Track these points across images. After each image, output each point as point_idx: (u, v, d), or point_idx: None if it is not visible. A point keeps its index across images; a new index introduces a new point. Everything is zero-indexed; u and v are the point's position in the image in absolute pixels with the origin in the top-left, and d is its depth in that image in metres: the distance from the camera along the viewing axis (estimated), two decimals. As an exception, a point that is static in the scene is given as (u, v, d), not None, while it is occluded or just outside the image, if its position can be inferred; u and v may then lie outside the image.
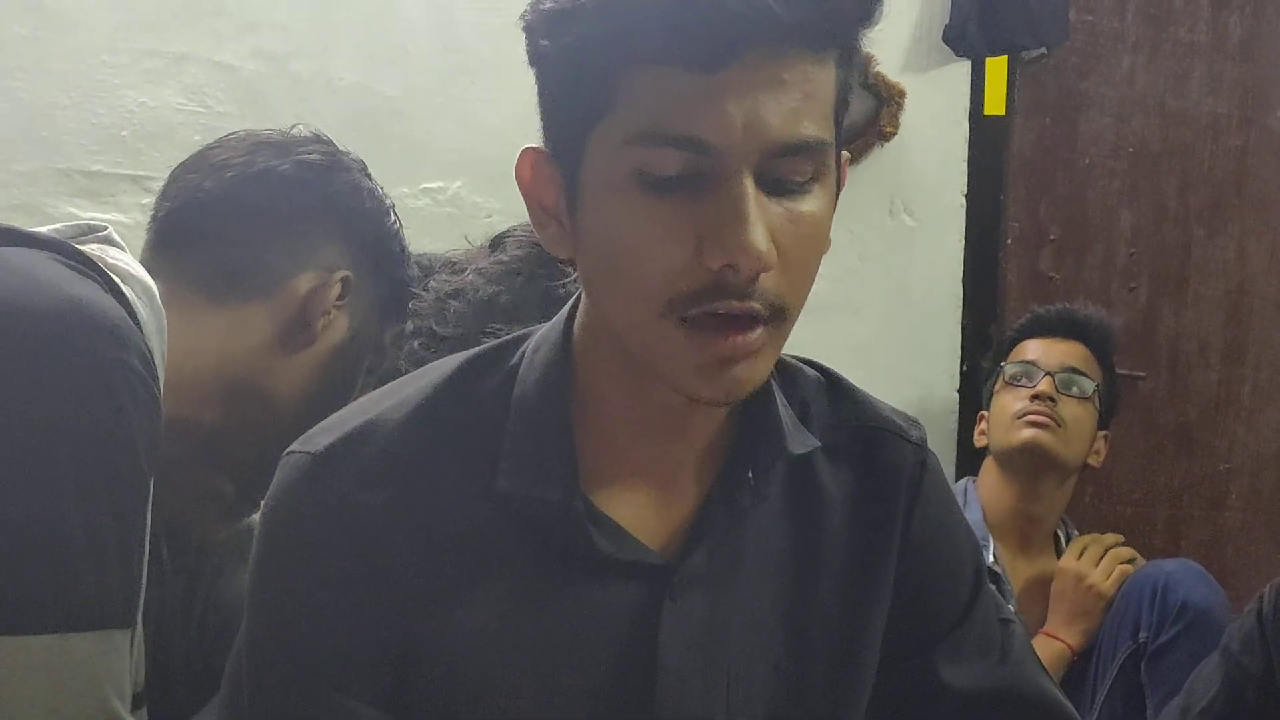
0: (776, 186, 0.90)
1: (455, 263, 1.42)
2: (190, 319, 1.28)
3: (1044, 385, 2.36)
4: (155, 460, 1.07)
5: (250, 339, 1.33)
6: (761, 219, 0.88)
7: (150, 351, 1.09)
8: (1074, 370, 2.40)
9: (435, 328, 1.36)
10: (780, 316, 0.92)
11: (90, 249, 1.15)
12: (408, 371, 1.16)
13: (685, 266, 0.89)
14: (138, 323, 1.11)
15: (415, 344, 1.38)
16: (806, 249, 0.92)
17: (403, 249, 1.45)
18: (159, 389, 1.09)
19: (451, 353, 1.08)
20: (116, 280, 1.12)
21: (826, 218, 0.93)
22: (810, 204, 0.91)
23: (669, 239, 0.89)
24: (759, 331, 0.91)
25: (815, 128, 0.90)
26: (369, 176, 1.43)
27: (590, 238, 0.94)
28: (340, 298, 1.37)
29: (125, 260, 1.18)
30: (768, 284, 0.90)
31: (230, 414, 1.32)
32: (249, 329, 1.33)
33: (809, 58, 0.89)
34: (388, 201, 1.45)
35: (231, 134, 1.41)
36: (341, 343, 1.39)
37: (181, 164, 1.39)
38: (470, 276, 1.37)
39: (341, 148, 1.43)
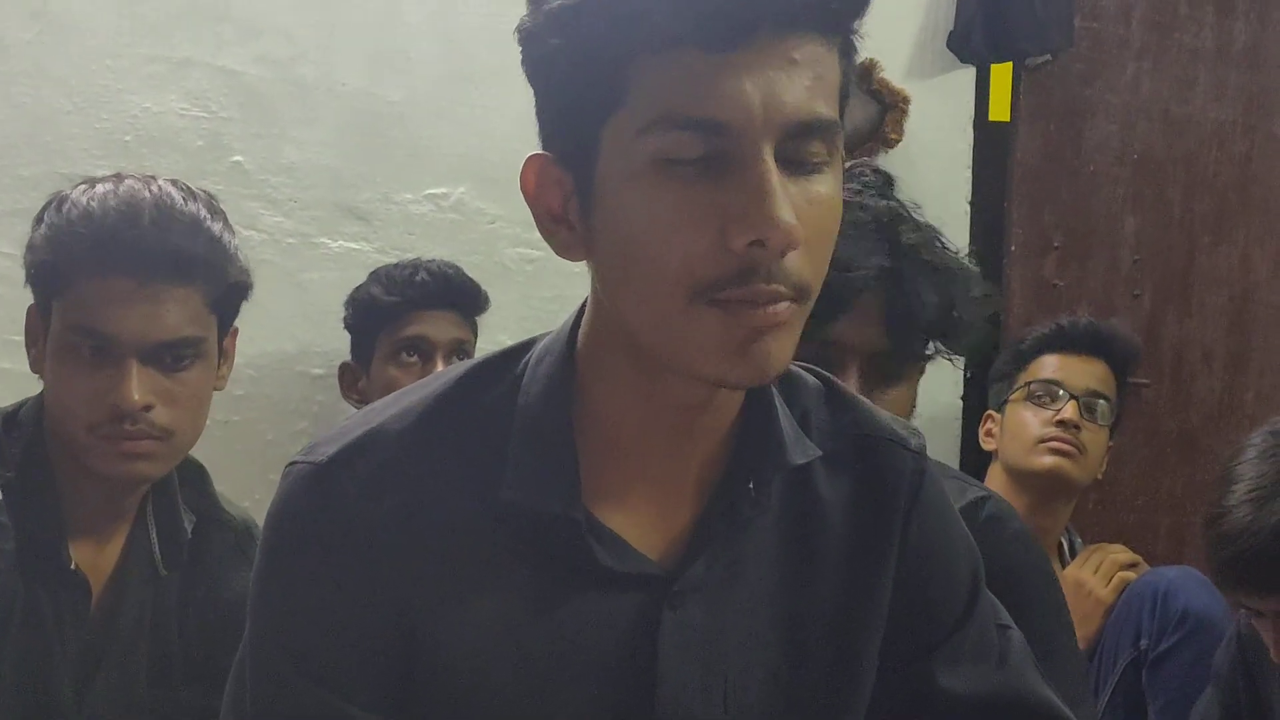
0: (794, 167, 0.90)
1: None
2: None
3: (1069, 411, 2.33)
4: None
5: None
6: (786, 195, 0.88)
7: None
8: (1097, 394, 2.37)
9: None
10: (805, 297, 0.92)
11: None
12: None
13: (709, 251, 0.88)
14: None
15: None
16: (824, 230, 0.92)
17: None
18: None
19: None
20: None
21: (839, 201, 0.94)
22: (824, 185, 0.92)
23: (692, 223, 0.88)
24: (785, 305, 0.90)
25: (827, 108, 0.91)
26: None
27: (608, 233, 0.93)
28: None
29: None
30: (791, 265, 0.90)
31: None
32: None
33: (818, 40, 0.90)
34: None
35: None
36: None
37: None
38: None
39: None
